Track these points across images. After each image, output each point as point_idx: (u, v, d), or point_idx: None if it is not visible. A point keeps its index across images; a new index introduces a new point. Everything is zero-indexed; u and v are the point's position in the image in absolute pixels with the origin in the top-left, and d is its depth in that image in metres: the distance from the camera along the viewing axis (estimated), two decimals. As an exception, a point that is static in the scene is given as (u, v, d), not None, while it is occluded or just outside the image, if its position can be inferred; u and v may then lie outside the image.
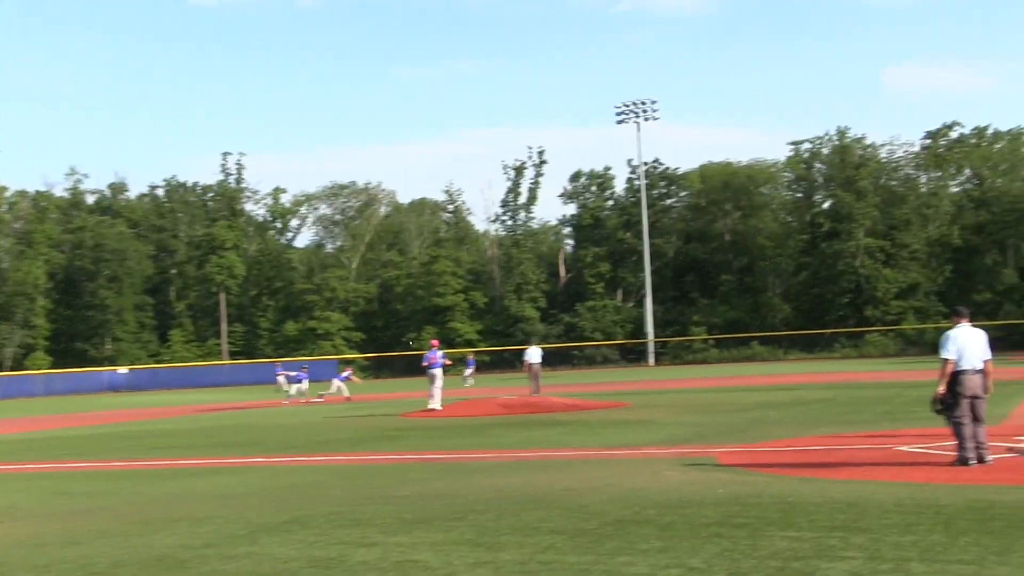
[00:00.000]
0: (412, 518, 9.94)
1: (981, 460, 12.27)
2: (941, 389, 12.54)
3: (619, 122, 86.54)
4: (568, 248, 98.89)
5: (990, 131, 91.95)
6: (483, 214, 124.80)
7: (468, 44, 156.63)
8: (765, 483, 11.59)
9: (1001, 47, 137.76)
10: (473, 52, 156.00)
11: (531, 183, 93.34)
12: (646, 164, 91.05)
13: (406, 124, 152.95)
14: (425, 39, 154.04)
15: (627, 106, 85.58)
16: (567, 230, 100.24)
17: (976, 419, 12.39)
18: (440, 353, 30.24)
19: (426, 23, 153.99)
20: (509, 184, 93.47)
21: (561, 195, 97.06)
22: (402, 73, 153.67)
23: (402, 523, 9.67)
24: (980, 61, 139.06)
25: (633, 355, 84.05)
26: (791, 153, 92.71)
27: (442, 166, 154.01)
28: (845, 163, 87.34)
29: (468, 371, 52.27)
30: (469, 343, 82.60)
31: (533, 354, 35.63)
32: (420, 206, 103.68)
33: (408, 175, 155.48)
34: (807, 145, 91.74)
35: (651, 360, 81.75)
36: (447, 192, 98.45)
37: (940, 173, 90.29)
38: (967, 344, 12.47)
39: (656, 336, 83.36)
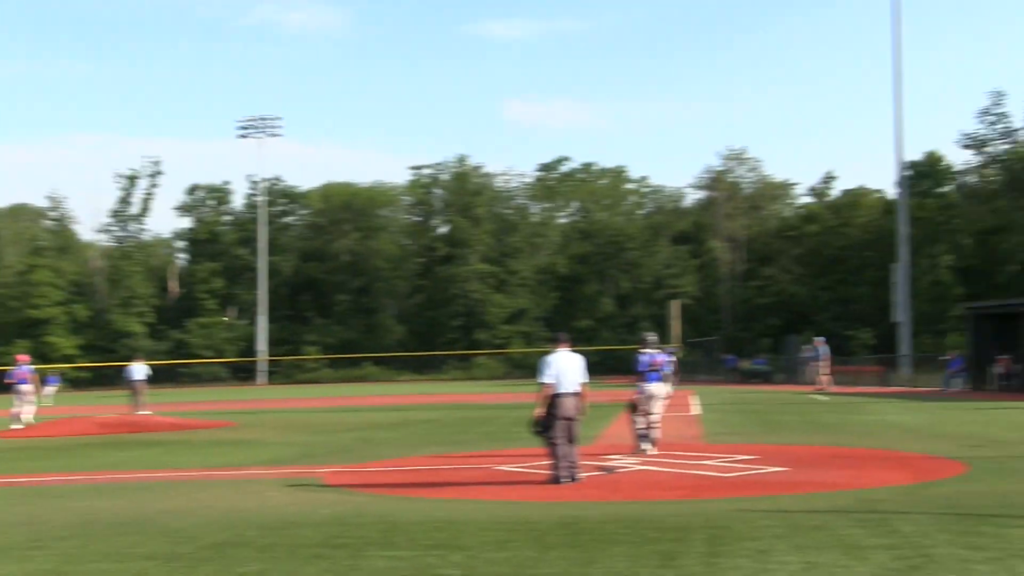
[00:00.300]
0: (-14, 547, 9.14)
1: (573, 478, 12.94)
2: (539, 411, 13.14)
3: (241, 136, 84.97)
4: (181, 262, 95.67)
5: (596, 167, 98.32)
6: (90, 223, 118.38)
7: (81, 46, 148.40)
8: (368, 503, 11.63)
9: (609, 90, 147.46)
10: (87, 54, 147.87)
11: (144, 194, 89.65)
12: (267, 180, 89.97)
13: (7, 123, 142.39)
14: (34, 37, 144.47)
15: (250, 121, 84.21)
16: (181, 244, 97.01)
17: (570, 440, 13.07)
18: (29, 368, 28.54)
19: (36, 20, 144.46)
20: (121, 194, 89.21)
21: (177, 208, 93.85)
22: (4, 69, 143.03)
23: (-28, 553, 8.86)
24: (589, 101, 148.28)
25: (244, 373, 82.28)
26: (412, 177, 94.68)
27: (47, 171, 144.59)
28: (463, 190, 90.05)
29: (49, 388, 48.57)
30: (67, 358, 77.72)
31: (136, 370, 34.22)
32: (19, 211, 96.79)
33: (7, 178, 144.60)
34: (428, 170, 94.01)
35: (262, 379, 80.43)
36: (51, 198, 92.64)
37: (550, 204, 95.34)
38: (564, 368, 13.12)
39: (269, 355, 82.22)
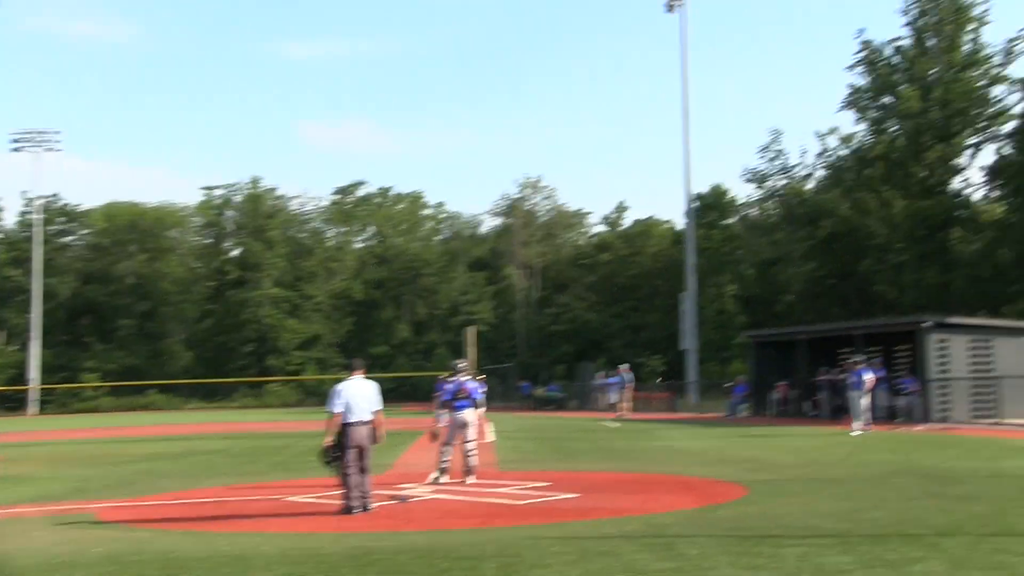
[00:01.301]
0: None
1: (365, 508, 12.79)
2: (328, 440, 12.95)
3: (14, 150, 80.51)
4: None
5: (393, 192, 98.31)
6: None
7: None
8: (148, 539, 11.16)
9: (406, 115, 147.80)
10: None
11: None
12: (43, 198, 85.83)
13: None
14: None
15: (25, 134, 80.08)
16: None
17: (362, 469, 12.91)
18: None
19: None
20: None
21: None
22: None
23: None
24: (387, 125, 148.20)
25: (12, 403, 77.39)
26: (203, 198, 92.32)
27: None
28: (257, 212, 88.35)
29: None
30: None
31: None
32: None
33: None
34: (220, 191, 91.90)
35: (33, 409, 76.01)
36: None
37: (346, 229, 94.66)
38: (356, 396, 12.98)
39: (43, 383, 77.85)
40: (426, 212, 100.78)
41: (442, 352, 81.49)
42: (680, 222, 75.49)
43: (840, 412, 33.96)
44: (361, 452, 12.93)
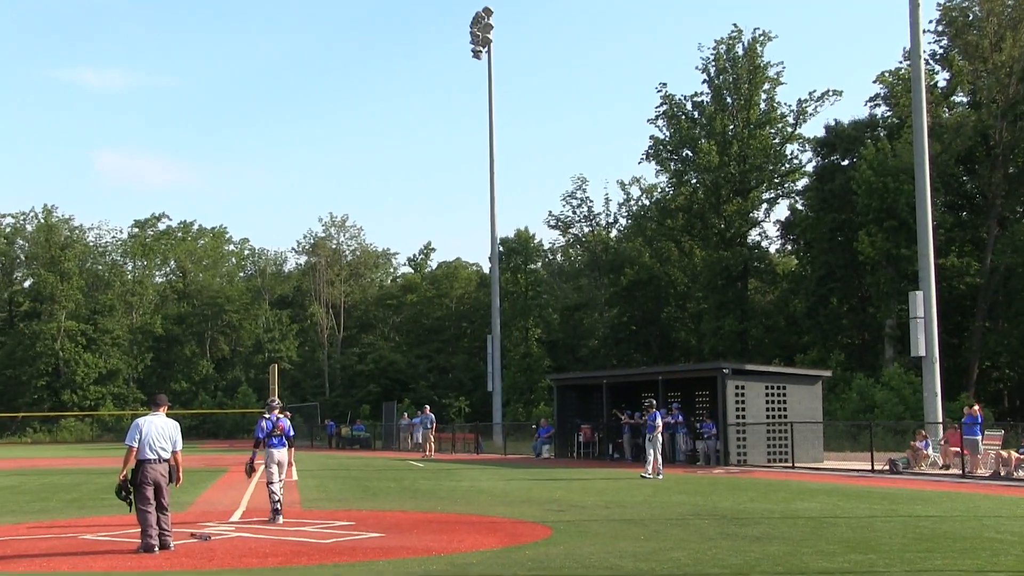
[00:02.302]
0: None
1: (165, 546, 12.52)
2: (124, 474, 12.68)
3: None
4: None
5: (195, 226, 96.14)
6: None
7: None
8: (-68, 579, 10.69)
9: (208, 149, 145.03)
10: None
11: None
12: None
13: None
14: None
15: None
16: None
17: (160, 507, 12.66)
18: None
19: None
20: None
21: None
22: None
23: None
24: (189, 159, 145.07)
25: None
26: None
27: None
28: (51, 242, 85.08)
29: None
30: None
31: None
32: None
33: None
34: (10, 219, 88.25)
35: None
36: None
37: (146, 262, 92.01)
38: (154, 433, 12.75)
39: None
40: (229, 248, 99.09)
41: (245, 390, 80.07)
42: (486, 265, 76.49)
43: (641, 454, 35.04)
44: (158, 489, 12.70)
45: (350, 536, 14.02)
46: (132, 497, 12.71)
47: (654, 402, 26.86)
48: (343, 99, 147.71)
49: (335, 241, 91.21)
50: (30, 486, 26.00)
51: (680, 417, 34.34)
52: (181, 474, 13.12)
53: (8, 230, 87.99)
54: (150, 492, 12.62)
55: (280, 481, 16.29)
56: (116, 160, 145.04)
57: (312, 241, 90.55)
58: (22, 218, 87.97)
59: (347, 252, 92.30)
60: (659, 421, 26.63)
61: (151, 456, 12.67)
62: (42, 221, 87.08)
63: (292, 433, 16.97)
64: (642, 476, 25.08)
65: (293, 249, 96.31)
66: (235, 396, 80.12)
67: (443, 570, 10.83)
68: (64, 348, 79.95)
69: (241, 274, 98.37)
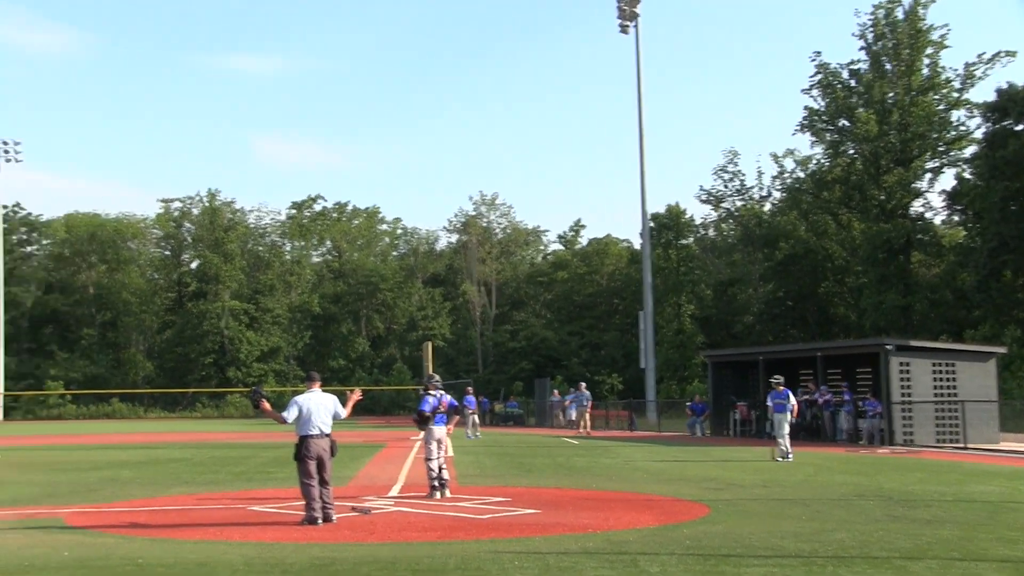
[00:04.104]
0: None
1: (328, 519, 12.82)
2: (269, 410, 13.33)
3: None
4: None
5: (350, 207, 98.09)
6: None
7: None
8: (115, 544, 11.17)
9: (361, 130, 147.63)
10: None
11: None
12: (5, 208, 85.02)
13: None
14: None
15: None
16: None
17: (322, 481, 12.96)
18: None
19: None
20: None
21: None
22: None
23: None
24: (343, 141, 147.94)
25: None
26: (161, 210, 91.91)
27: None
28: (215, 225, 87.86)
29: None
30: None
31: None
32: None
33: None
34: (178, 204, 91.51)
35: (0, 415, 75.47)
36: None
37: (304, 243, 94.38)
38: (314, 408, 13.05)
39: (8, 390, 77.31)
40: (383, 228, 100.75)
41: (400, 367, 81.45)
42: (637, 241, 75.96)
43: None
44: (321, 463, 12.99)
45: (506, 512, 14.11)
46: (258, 399, 13.46)
47: (782, 379, 25.90)
48: (492, 77, 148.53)
49: (486, 219, 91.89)
50: (200, 458, 27.00)
51: (830, 396, 33.56)
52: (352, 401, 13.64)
53: (176, 214, 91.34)
54: (313, 466, 12.92)
55: (439, 458, 16.42)
56: (273, 144, 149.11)
57: (463, 220, 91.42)
58: (189, 202, 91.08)
59: (498, 230, 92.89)
60: (793, 400, 25.50)
61: (313, 431, 12.96)
62: (207, 205, 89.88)
63: (456, 404, 17.11)
64: (775, 459, 24.18)
65: (445, 228, 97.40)
66: (391, 373, 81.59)
67: (600, 547, 10.81)
68: (228, 327, 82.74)
69: (394, 253, 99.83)
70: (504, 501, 15.41)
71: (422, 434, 16.67)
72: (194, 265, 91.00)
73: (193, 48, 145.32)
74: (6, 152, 79.04)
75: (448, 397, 16.86)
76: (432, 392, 16.52)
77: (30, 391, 77.04)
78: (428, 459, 16.26)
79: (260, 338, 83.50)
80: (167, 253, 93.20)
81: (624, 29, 60.44)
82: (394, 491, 17.26)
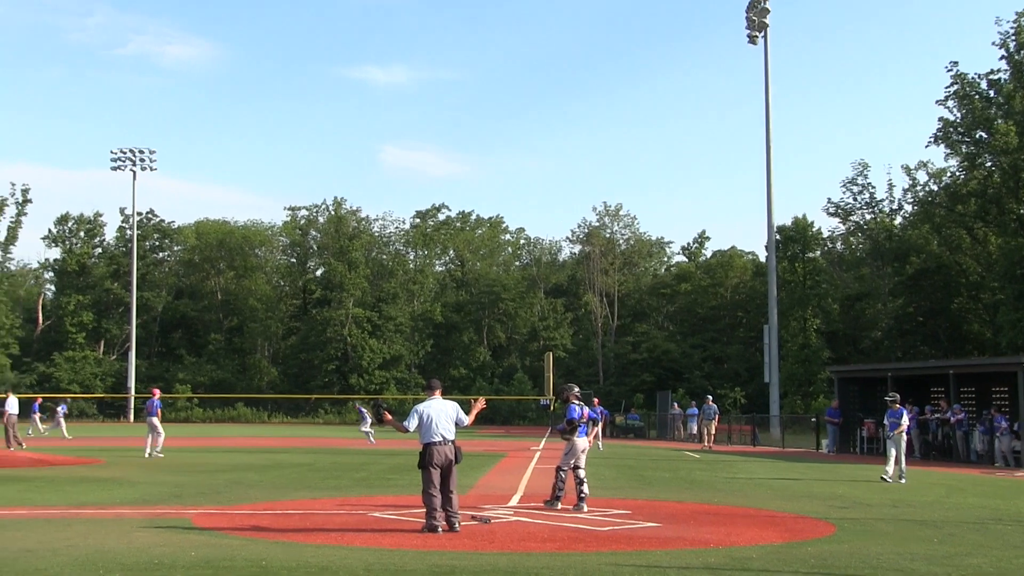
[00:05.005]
0: None
1: (452, 527, 12.82)
2: (389, 417, 13.51)
3: (114, 168, 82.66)
4: (48, 294, 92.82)
5: (473, 217, 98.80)
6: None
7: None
8: (239, 546, 11.37)
9: (486, 140, 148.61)
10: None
11: (11, 222, 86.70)
12: (140, 214, 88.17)
13: None
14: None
15: (123, 152, 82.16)
16: (48, 275, 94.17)
17: (446, 488, 12.97)
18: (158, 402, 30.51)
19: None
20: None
21: (45, 237, 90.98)
22: None
23: None
24: (467, 151, 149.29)
25: (112, 410, 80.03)
26: (288, 218, 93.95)
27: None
28: (340, 233, 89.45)
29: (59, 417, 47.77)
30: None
31: (11, 404, 33.39)
32: None
33: None
34: (304, 212, 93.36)
35: (131, 416, 78.11)
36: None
37: (427, 252, 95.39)
38: (436, 416, 13.07)
39: (138, 392, 79.89)
40: (506, 237, 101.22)
41: (521, 376, 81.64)
42: (762, 254, 74.90)
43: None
44: (445, 472, 13.01)
45: (626, 525, 13.96)
46: (380, 411, 13.62)
47: (898, 397, 24.95)
48: (616, 87, 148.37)
49: (609, 230, 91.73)
50: (323, 464, 27.40)
51: (963, 415, 32.45)
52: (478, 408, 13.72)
53: (303, 222, 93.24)
54: (436, 475, 12.92)
55: (582, 468, 16.10)
56: (399, 153, 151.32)
57: (586, 230, 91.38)
58: (315, 210, 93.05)
59: (621, 241, 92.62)
60: (905, 420, 24.45)
61: (436, 438, 12.97)
62: (332, 213, 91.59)
63: (595, 416, 16.98)
64: (881, 478, 23.15)
65: (567, 238, 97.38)
66: (511, 383, 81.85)
67: (722, 562, 10.60)
68: (351, 334, 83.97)
69: (517, 263, 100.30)
70: (624, 513, 15.26)
71: (565, 445, 16.41)
72: (319, 272, 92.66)
73: (323, 60, 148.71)
74: (141, 161, 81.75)
75: (588, 408, 16.75)
76: (575, 401, 16.36)
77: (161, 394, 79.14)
78: (561, 468, 16.06)
79: (382, 346, 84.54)
80: (293, 260, 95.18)
81: (752, 40, 59.70)
82: (514, 501, 17.22)
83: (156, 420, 29.85)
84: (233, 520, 14.20)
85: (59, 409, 46.06)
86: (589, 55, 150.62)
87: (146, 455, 28.86)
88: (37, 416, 46.55)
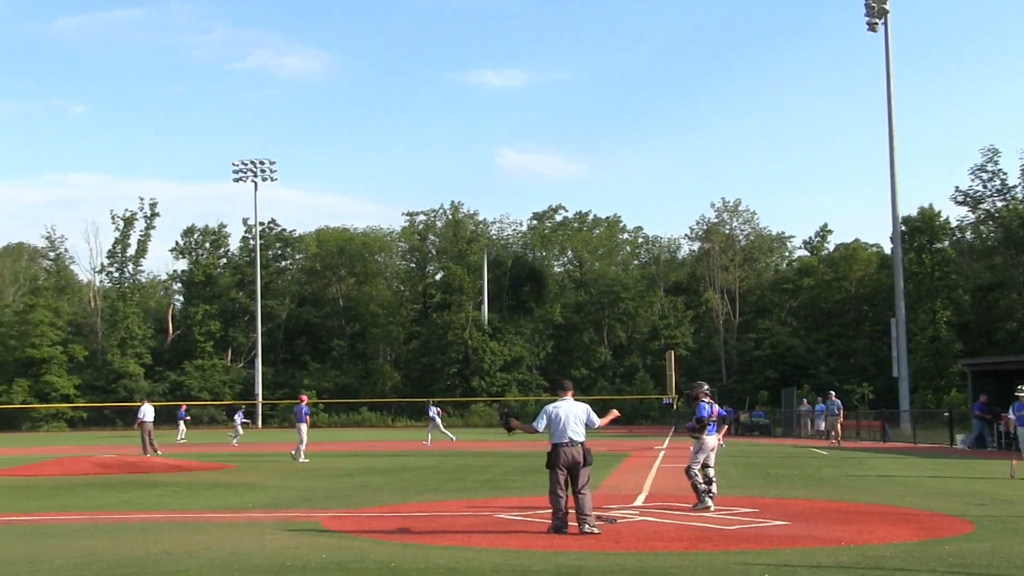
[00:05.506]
0: (-14, 586, 9.05)
1: (579, 529, 12.71)
2: (516, 422, 13.62)
3: (236, 180, 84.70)
4: (177, 305, 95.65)
5: (590, 217, 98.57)
6: (88, 263, 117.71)
7: (78, 87, 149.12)
8: (368, 548, 11.54)
9: (602, 140, 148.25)
10: (83, 96, 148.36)
11: (141, 235, 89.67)
12: (262, 224, 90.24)
13: (5, 161, 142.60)
14: (31, 76, 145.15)
15: (244, 164, 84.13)
16: (177, 286, 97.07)
17: (577, 490, 12.89)
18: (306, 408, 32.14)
19: (33, 60, 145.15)
20: (117, 235, 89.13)
21: (172, 249, 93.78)
22: (4, 108, 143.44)
23: (-27, 592, 8.77)
24: (583, 151, 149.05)
25: (244, 418, 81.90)
26: (406, 223, 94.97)
27: (44, 209, 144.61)
28: (458, 237, 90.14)
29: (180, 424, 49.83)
30: (66, 398, 77.87)
31: (146, 412, 34.50)
32: (17, 250, 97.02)
33: (5, 216, 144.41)
34: (422, 217, 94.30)
35: (259, 423, 80.00)
36: (47, 238, 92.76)
37: (545, 253, 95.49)
38: (564, 417, 13.03)
39: (265, 398, 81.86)
40: (623, 237, 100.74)
41: (642, 376, 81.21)
42: (887, 246, 73.14)
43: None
44: (573, 473, 12.96)
45: (754, 523, 13.78)
46: (508, 419, 13.71)
47: None
48: (732, 82, 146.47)
49: (728, 226, 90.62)
50: (448, 466, 27.64)
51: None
52: (611, 417, 13.75)
53: (421, 227, 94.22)
54: (563, 476, 12.89)
55: (711, 466, 15.94)
56: (515, 156, 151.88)
57: (705, 227, 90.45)
58: (432, 215, 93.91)
59: (741, 237, 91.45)
60: None
61: (563, 440, 12.93)
62: (450, 217, 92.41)
63: (724, 414, 16.76)
64: (1012, 477, 22.11)
65: (686, 236, 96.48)
66: (633, 382, 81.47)
67: (855, 561, 10.38)
68: (472, 337, 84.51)
69: (635, 262, 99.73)
70: (751, 512, 15.06)
71: (692, 443, 16.23)
72: (438, 277, 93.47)
73: (437, 66, 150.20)
74: (262, 172, 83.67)
75: (717, 406, 16.56)
76: (705, 399, 16.18)
77: (285, 400, 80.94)
78: (690, 467, 15.83)
79: (503, 348, 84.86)
80: (412, 265, 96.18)
81: (872, 27, 58.36)
82: (639, 500, 17.14)
83: (303, 426, 30.88)
84: (362, 523, 14.42)
85: (236, 417, 47.64)
86: (703, 51, 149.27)
87: (300, 459, 29.73)
88: (182, 423, 48.16)
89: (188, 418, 48.67)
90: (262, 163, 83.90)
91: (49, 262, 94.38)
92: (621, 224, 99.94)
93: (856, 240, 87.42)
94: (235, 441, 44.44)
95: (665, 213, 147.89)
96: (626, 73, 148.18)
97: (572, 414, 13.08)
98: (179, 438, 47.28)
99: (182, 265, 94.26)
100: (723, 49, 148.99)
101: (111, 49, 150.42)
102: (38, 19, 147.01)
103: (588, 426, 13.15)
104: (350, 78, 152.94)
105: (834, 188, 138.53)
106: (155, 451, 33.45)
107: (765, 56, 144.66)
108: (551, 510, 12.98)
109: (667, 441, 42.83)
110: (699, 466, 15.83)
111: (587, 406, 13.32)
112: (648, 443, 39.78)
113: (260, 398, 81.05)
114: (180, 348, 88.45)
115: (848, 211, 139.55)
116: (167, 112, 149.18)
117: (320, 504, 16.92)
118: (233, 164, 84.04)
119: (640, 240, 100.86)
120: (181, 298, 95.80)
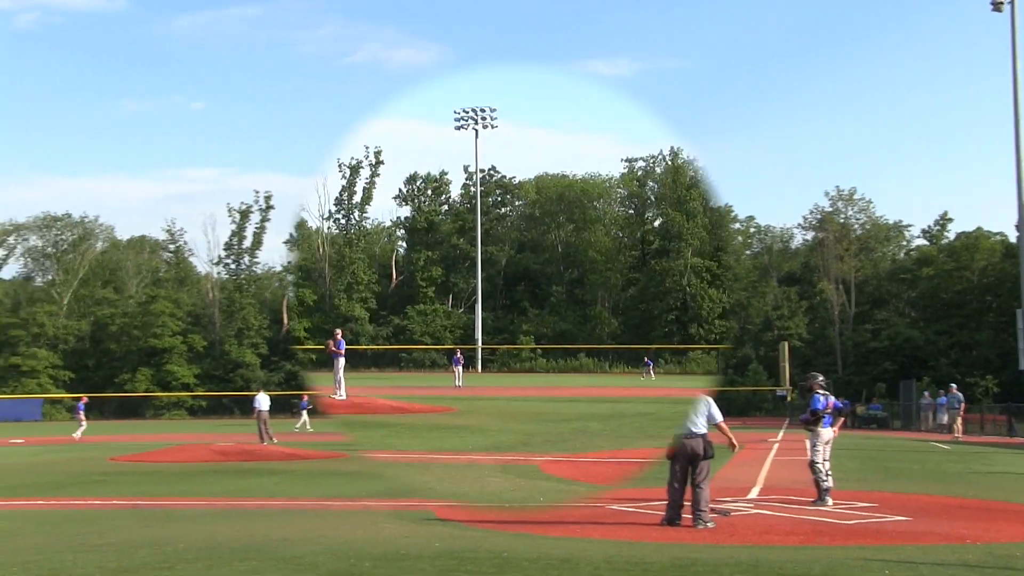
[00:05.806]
0: (116, 567, 9.35)
1: (698, 522, 12.56)
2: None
3: (458, 128, 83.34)
4: (400, 251, 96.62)
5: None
6: (205, 255, 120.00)
7: (198, 84, 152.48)
8: (481, 538, 11.61)
9: (713, 128, 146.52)
10: (202, 93, 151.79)
11: (366, 183, 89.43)
12: (482, 171, 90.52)
13: (128, 157, 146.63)
14: (152, 74, 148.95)
15: (466, 112, 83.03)
16: (400, 232, 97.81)
17: (695, 483, 12.77)
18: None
19: (154, 59, 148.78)
20: (233, 227, 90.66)
21: (396, 196, 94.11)
22: (128, 106, 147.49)
23: (104, 572, 9.06)
24: (690, 139, 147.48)
25: (467, 361, 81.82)
26: (625, 170, 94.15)
27: (164, 204, 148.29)
28: (677, 183, 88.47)
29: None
30: (186, 387, 79.96)
31: (262, 401, 35.05)
32: (139, 243, 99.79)
33: (128, 210, 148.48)
34: (641, 163, 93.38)
35: (479, 367, 78.98)
36: (168, 231, 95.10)
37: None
38: (688, 409, 13.01)
39: (485, 343, 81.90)
40: (735, 227, 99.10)
41: (755, 367, 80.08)
42: (1012, 234, 70.94)
43: None
44: (691, 465, 12.83)
45: (873, 518, 13.54)
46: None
47: None
48: (846, 67, 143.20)
49: (843, 215, 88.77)
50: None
51: None
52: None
53: (640, 173, 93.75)
54: (679, 468, 12.82)
55: (827, 460, 15.60)
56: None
57: (819, 216, 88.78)
58: (652, 161, 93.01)
59: (856, 226, 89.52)
60: None
61: (683, 431, 12.91)
62: (669, 164, 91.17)
63: (840, 406, 16.44)
64: None
65: (799, 225, 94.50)
66: (745, 373, 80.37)
67: (981, 559, 10.08)
68: (690, 284, 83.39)
69: (747, 252, 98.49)
70: (870, 506, 14.80)
71: (809, 436, 15.99)
72: (657, 223, 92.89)
73: (546, 56, 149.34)
74: (483, 119, 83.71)
75: (833, 398, 16.21)
76: (820, 391, 15.87)
77: (504, 345, 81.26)
78: (814, 462, 15.49)
79: (722, 295, 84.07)
80: (631, 212, 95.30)
81: (997, 7, 56.53)
82: (753, 493, 16.95)
83: (341, 360, 27.96)
84: (474, 514, 14.52)
85: (302, 404, 48.05)
86: (817, 36, 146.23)
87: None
88: (305, 413, 48.37)
89: (312, 407, 48.80)
90: (483, 111, 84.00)
91: (169, 254, 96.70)
92: (732, 213, 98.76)
93: (979, 228, 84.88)
94: (298, 428, 44.56)
95: (777, 202, 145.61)
96: (737, 61, 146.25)
97: (694, 407, 13.00)
98: (297, 427, 47.01)
99: (405, 212, 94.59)
100: (836, 34, 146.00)
101: (228, 46, 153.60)
102: (158, 19, 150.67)
103: (710, 419, 13.05)
104: (459, 70, 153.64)
105: (955, 175, 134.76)
106: (271, 439, 34.00)
107: (881, 40, 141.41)
108: (666, 501, 12.88)
109: (781, 433, 42.24)
110: (823, 459, 15.47)
111: (709, 399, 13.20)
112: (762, 435, 39.25)
113: (480, 343, 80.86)
114: (403, 294, 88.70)
115: (970, 199, 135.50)
116: (280, 106, 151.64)
117: (538, 448, 16.88)
118: (454, 111, 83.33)
119: (752, 230, 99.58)
120: (404, 244, 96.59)
